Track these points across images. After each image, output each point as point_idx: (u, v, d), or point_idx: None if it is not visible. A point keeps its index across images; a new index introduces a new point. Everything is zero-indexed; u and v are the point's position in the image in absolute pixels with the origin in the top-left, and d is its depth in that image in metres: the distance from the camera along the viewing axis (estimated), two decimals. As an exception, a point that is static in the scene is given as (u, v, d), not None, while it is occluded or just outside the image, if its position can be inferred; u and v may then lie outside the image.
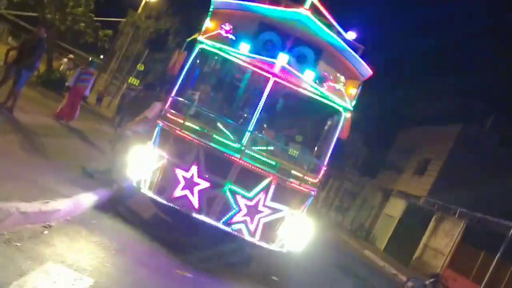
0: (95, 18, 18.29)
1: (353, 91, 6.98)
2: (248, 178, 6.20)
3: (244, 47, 6.56)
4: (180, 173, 6.24)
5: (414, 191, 25.22)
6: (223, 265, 6.64)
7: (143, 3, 21.22)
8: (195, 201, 6.19)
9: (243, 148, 6.30)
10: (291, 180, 6.40)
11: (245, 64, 6.77)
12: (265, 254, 7.14)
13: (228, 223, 6.23)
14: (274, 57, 6.54)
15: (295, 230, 6.47)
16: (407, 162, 27.93)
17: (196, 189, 6.19)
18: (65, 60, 18.61)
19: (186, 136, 6.28)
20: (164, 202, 6.29)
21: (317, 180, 6.80)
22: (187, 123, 6.38)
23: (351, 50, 6.78)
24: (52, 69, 17.37)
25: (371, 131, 26.40)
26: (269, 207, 6.33)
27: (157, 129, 6.56)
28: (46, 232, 4.73)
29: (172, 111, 6.60)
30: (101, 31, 18.74)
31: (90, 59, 12.99)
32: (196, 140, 6.23)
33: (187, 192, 6.19)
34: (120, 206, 7.10)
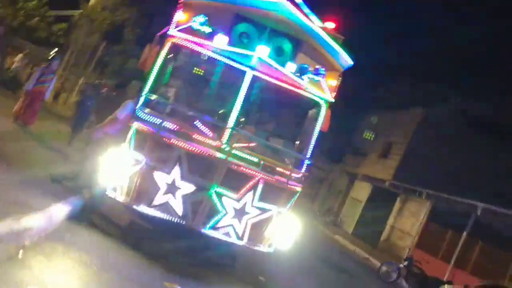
0: (48, 13, 17.25)
1: (333, 82, 6.81)
2: (234, 179, 5.90)
3: (219, 39, 6.22)
4: (160, 177, 5.85)
5: (379, 175, 25.59)
6: (210, 270, 6.35)
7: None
8: (178, 207, 5.84)
9: (227, 146, 6.00)
10: (277, 177, 6.17)
11: (220, 58, 6.44)
12: (249, 253, 6.91)
13: (215, 228, 5.93)
14: (251, 49, 6.24)
15: (282, 229, 6.28)
16: (371, 146, 28.34)
17: (178, 194, 5.83)
18: (19, 56, 17.47)
19: (165, 137, 5.90)
20: (144, 210, 5.89)
21: (301, 175, 6.63)
22: (164, 123, 6.00)
23: (330, 41, 6.58)
24: (5, 67, 16.32)
25: (337, 116, 26.50)
26: (256, 208, 6.08)
27: (131, 130, 6.14)
28: (20, 253, 4.30)
29: (147, 110, 6.20)
30: (56, 25, 17.70)
31: (52, 55, 11.92)
32: (176, 141, 5.86)
33: (169, 197, 5.82)
34: (94, 215, 6.63)
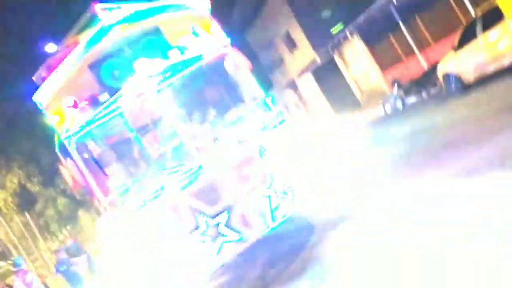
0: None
1: (213, 27, 6.40)
2: (244, 170, 5.50)
3: (103, 97, 5.67)
4: (196, 236, 5.34)
5: (306, 61, 25.53)
6: (303, 250, 5.97)
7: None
8: (233, 237, 5.42)
9: (214, 161, 5.54)
10: (269, 131, 5.84)
11: (119, 111, 5.91)
12: (313, 208, 6.55)
13: (274, 217, 5.54)
14: (131, 74, 5.69)
15: (318, 165, 5.97)
16: (278, 51, 28.23)
17: (222, 229, 5.38)
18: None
19: (158, 205, 5.36)
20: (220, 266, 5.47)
21: (276, 111, 6.30)
22: (146, 199, 5.45)
23: (172, 2, 6.11)
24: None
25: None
26: (285, 170, 5.72)
27: (130, 233, 5.50)
28: None
29: (121, 210, 5.62)
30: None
31: (10, 261, 11.04)
32: (171, 197, 5.35)
33: (220, 240, 5.37)
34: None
